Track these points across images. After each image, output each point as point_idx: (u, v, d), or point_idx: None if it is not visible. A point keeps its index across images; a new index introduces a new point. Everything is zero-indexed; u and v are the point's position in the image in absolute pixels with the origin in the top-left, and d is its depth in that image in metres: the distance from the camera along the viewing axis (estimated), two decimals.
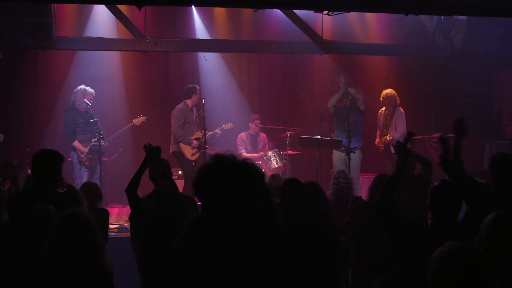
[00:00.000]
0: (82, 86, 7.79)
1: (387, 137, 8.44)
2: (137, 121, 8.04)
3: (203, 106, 7.93)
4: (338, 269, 4.32)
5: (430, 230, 3.36)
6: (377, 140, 8.61)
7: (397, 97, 8.48)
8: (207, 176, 2.01)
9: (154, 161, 4.25)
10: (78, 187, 5.01)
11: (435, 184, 3.39)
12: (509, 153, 4.28)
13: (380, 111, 8.72)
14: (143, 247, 4.32)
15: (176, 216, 4.22)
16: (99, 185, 7.27)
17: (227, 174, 1.99)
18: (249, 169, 2.03)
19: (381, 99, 8.52)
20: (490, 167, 4.13)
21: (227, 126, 8.67)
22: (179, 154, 8.10)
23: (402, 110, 8.56)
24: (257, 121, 8.98)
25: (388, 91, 8.49)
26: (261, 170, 2.09)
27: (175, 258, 2.06)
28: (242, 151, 8.92)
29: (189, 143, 8.08)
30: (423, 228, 3.40)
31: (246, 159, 2.08)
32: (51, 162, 3.88)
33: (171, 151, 8.15)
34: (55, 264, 2.82)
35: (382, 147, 8.52)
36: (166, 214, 4.22)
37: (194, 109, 8.28)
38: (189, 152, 8.11)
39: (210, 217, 2.04)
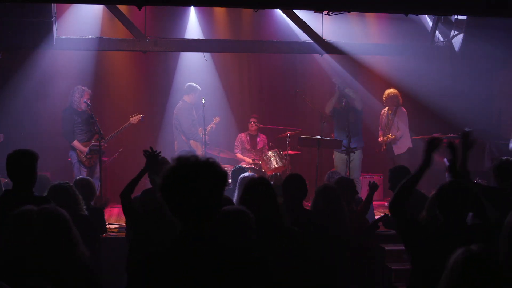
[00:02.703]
0: (79, 86, 7.79)
1: (389, 136, 8.46)
2: (134, 119, 8.04)
3: (203, 106, 7.95)
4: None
5: (439, 231, 3.32)
6: (381, 138, 8.63)
7: (400, 97, 8.51)
8: (170, 179, 2.04)
9: (154, 167, 4.27)
10: None
11: (444, 184, 3.35)
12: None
13: (382, 111, 8.75)
14: (130, 247, 4.33)
15: (160, 218, 4.22)
16: (99, 185, 7.30)
17: (189, 176, 2.01)
18: (211, 169, 2.04)
19: (384, 98, 8.58)
20: (495, 172, 4.23)
21: (216, 119, 8.68)
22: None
23: (404, 109, 8.59)
24: (253, 120, 9.01)
25: (391, 90, 8.54)
26: (224, 170, 2.09)
27: (146, 261, 2.09)
28: (237, 151, 8.96)
29: (200, 140, 8.12)
30: (433, 229, 3.37)
31: (209, 158, 2.09)
32: (25, 162, 3.83)
33: (177, 151, 8.16)
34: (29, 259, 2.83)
35: (384, 147, 8.55)
36: (151, 216, 4.22)
37: (193, 108, 8.32)
38: (199, 149, 8.15)
39: (178, 221, 2.07)
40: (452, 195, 3.28)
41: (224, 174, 2.08)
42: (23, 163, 3.81)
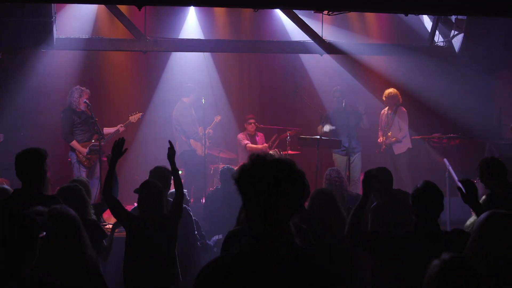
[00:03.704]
0: (78, 86, 7.78)
1: (389, 134, 8.41)
2: (133, 118, 8.03)
3: (203, 106, 7.95)
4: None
5: (414, 233, 3.35)
6: (380, 139, 8.60)
7: (400, 96, 8.48)
8: (250, 176, 1.93)
9: (119, 154, 4.24)
10: None
11: (418, 186, 3.40)
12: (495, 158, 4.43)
13: (382, 111, 8.73)
14: (126, 250, 4.29)
15: (158, 222, 4.19)
16: (99, 185, 7.30)
17: (271, 175, 1.90)
18: (292, 169, 1.94)
19: (384, 98, 8.54)
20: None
21: (217, 118, 8.64)
22: (192, 152, 8.14)
23: (404, 109, 8.56)
24: (251, 120, 9.01)
25: (391, 90, 8.50)
26: (301, 170, 1.98)
27: (214, 266, 2.00)
28: (247, 142, 8.90)
29: (200, 140, 8.13)
30: (404, 234, 3.39)
31: (284, 157, 2.01)
32: (32, 161, 3.81)
33: (179, 152, 8.16)
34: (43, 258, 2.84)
35: (384, 147, 8.52)
36: (150, 220, 4.19)
37: (193, 108, 8.32)
38: (199, 148, 8.15)
39: (252, 219, 1.96)
40: (426, 196, 3.31)
41: (302, 177, 1.96)
42: (30, 162, 3.79)
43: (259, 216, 1.93)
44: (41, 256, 2.77)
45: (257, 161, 1.94)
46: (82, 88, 7.75)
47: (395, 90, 8.52)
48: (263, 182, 1.90)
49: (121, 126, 7.92)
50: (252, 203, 1.93)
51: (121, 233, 6.52)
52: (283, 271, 1.89)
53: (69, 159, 7.76)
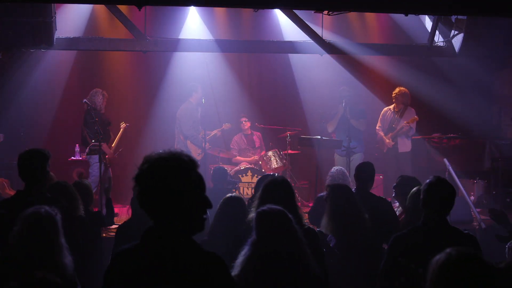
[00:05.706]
0: (98, 89, 7.78)
1: (405, 126, 8.17)
2: (123, 126, 8.19)
3: (203, 106, 7.96)
4: None
5: (424, 228, 3.32)
6: (387, 141, 8.34)
7: (410, 97, 8.33)
8: (141, 175, 2.07)
9: None
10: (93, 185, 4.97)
11: (429, 180, 3.35)
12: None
13: (386, 109, 8.54)
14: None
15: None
16: (99, 185, 7.30)
17: (158, 175, 2.04)
18: (184, 170, 2.04)
19: (394, 95, 8.31)
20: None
21: (226, 126, 8.70)
22: None
23: (413, 109, 8.37)
24: (242, 119, 9.05)
25: (402, 88, 8.32)
26: (199, 174, 2.08)
27: (114, 258, 2.13)
28: (234, 153, 9.00)
29: (199, 144, 8.11)
30: (412, 230, 3.37)
31: (183, 154, 2.08)
32: (35, 162, 3.81)
33: None
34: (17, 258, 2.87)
35: (387, 148, 8.34)
36: (139, 220, 4.20)
37: (199, 108, 8.31)
38: (195, 151, 8.14)
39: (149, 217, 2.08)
40: (437, 192, 3.28)
41: (195, 177, 2.06)
42: (33, 162, 3.79)
43: (149, 213, 2.07)
44: (14, 258, 2.80)
45: (153, 160, 2.08)
46: (103, 91, 7.79)
47: (407, 90, 8.34)
48: (149, 181, 2.04)
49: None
50: (143, 199, 2.07)
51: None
52: (169, 264, 2.01)
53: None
